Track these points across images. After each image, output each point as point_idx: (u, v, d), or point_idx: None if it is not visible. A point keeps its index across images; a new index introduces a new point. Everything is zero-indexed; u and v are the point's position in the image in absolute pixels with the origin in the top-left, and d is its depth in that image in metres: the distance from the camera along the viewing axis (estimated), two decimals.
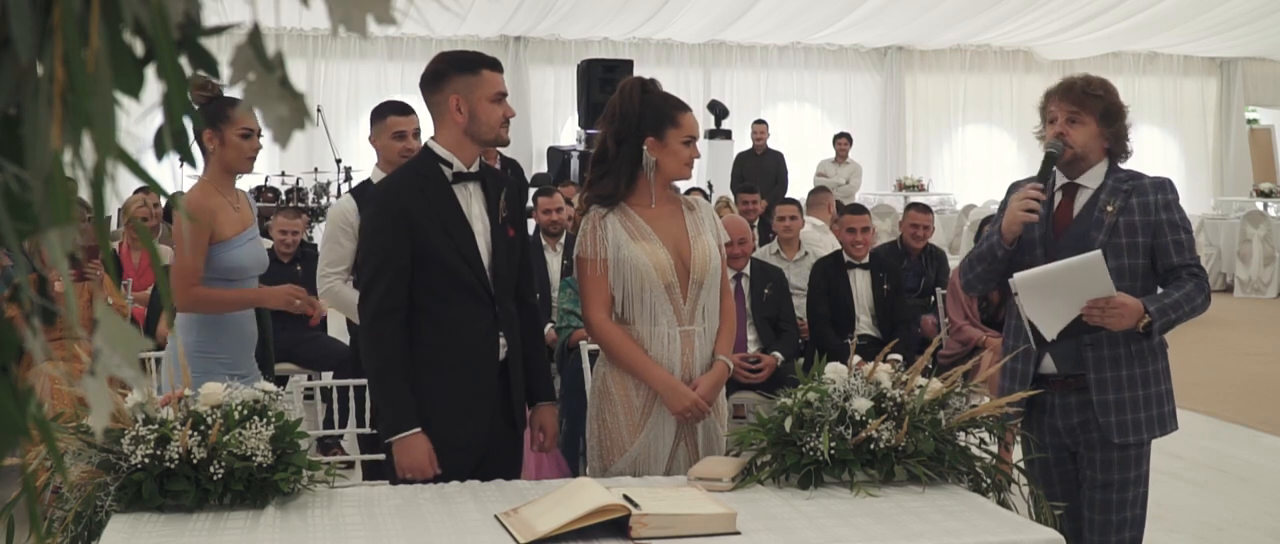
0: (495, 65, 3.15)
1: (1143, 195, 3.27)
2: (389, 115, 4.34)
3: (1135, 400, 3.27)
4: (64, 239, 0.84)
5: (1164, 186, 3.31)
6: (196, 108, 3.79)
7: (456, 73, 3.09)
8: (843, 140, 13.93)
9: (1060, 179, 3.36)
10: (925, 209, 7.15)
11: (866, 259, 6.09)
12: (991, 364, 3.84)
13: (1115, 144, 3.32)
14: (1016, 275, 3.21)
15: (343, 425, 5.78)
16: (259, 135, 3.66)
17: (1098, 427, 3.26)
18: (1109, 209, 3.27)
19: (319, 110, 14.01)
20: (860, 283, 6.08)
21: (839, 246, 6.38)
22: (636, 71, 7.16)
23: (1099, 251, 3.14)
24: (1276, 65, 18.62)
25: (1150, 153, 18.43)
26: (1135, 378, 3.27)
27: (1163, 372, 3.33)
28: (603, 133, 3.25)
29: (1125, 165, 3.37)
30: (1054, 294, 3.15)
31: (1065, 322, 3.17)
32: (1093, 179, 3.32)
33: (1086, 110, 3.27)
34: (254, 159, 3.69)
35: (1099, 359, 3.26)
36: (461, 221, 3.10)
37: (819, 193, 9.09)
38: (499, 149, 4.30)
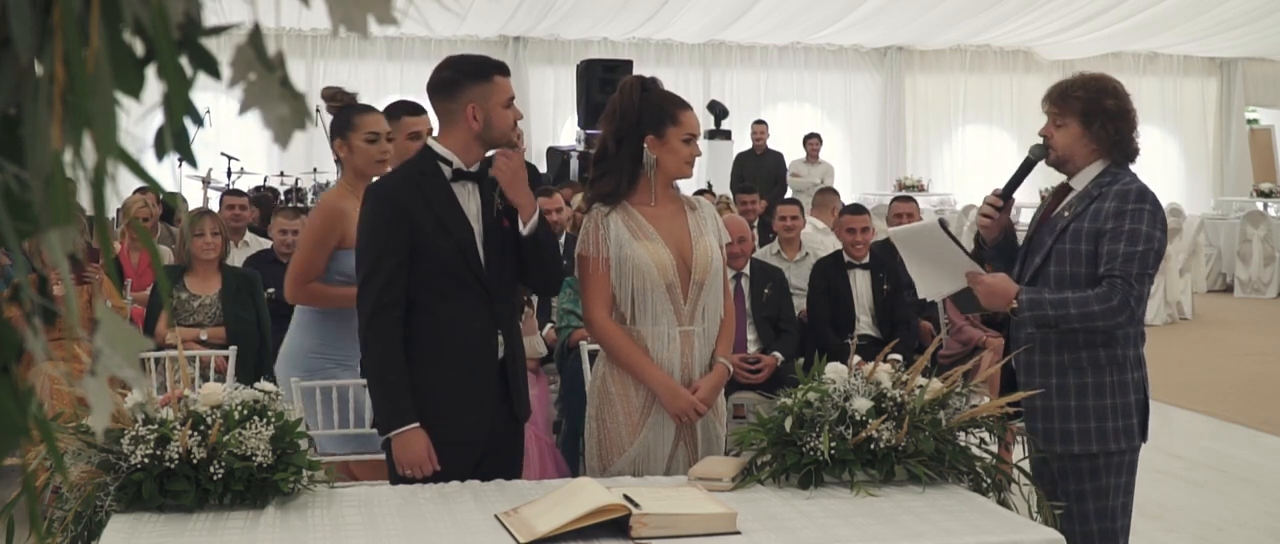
0: (504, 70, 3.17)
1: (1103, 202, 3.14)
2: (404, 116, 4.20)
3: (1068, 410, 3.15)
4: (64, 239, 0.84)
5: (1127, 195, 3.12)
6: (331, 118, 3.97)
7: (471, 81, 3.10)
8: (814, 140, 13.88)
9: (1063, 179, 3.31)
10: (907, 199, 7.12)
11: (866, 259, 6.09)
12: (991, 364, 3.84)
13: (1106, 145, 3.19)
14: (892, 229, 3.45)
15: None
16: (387, 139, 3.87)
17: (1032, 432, 3.14)
18: (1067, 213, 3.19)
19: (319, 110, 13.98)
20: (860, 283, 6.08)
21: (840, 248, 6.38)
22: (636, 71, 7.15)
23: (937, 219, 3.33)
24: (1276, 65, 18.62)
25: (1150, 153, 18.33)
26: (1069, 388, 3.15)
27: (1114, 385, 3.17)
28: (604, 131, 3.25)
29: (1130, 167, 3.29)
30: (924, 255, 3.36)
31: (944, 286, 3.34)
32: (1081, 181, 3.23)
33: (1067, 112, 3.20)
34: (385, 162, 3.84)
35: (1030, 364, 3.18)
36: (460, 218, 3.10)
37: (826, 193, 9.02)
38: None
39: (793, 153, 13.78)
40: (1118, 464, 3.21)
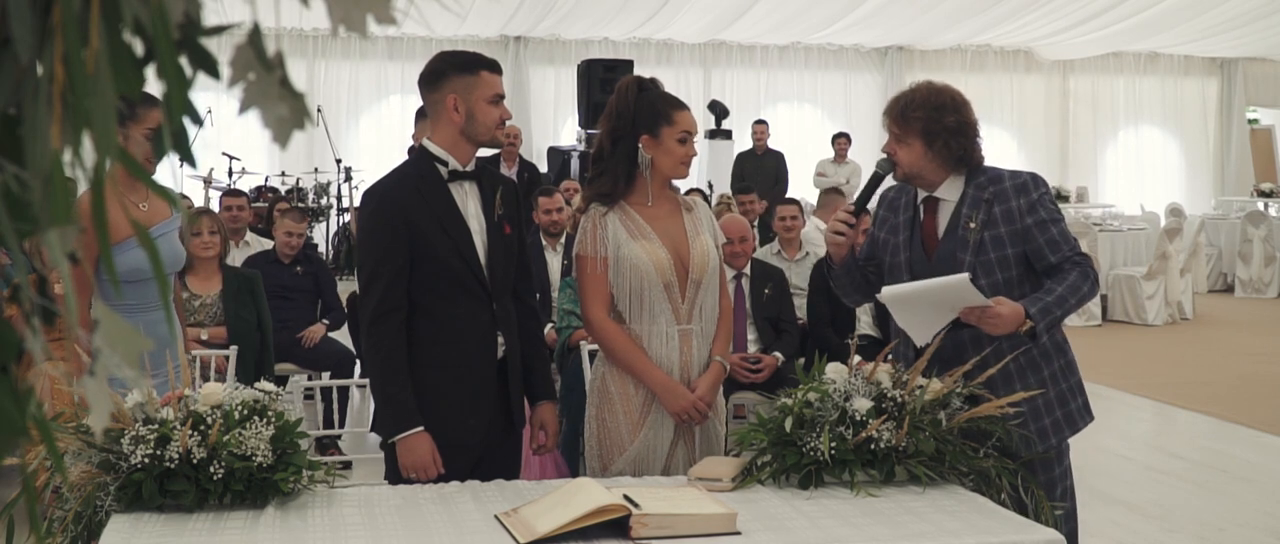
0: (494, 67, 3.16)
1: (1005, 203, 3.13)
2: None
3: (1037, 407, 3.14)
4: (64, 239, 0.84)
5: (1025, 188, 3.14)
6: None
7: (455, 73, 3.10)
8: (842, 140, 13.92)
9: (921, 194, 3.26)
10: None
11: None
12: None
13: (951, 161, 3.18)
14: (884, 290, 3.14)
15: (341, 425, 5.79)
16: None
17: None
18: (972, 225, 3.14)
19: (319, 110, 14.01)
20: None
21: None
22: (636, 71, 7.16)
23: (966, 275, 3.02)
24: (1276, 65, 18.62)
25: (1150, 153, 18.44)
26: (1031, 387, 3.12)
27: (1062, 370, 3.21)
28: (601, 131, 3.26)
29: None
30: (923, 308, 3.10)
31: (936, 327, 3.08)
32: (950, 192, 3.20)
33: (909, 132, 3.19)
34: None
35: (990, 381, 3.02)
36: (458, 220, 3.10)
37: (830, 194, 9.01)
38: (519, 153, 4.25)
39: (793, 153, 13.77)
40: (1069, 443, 3.27)
